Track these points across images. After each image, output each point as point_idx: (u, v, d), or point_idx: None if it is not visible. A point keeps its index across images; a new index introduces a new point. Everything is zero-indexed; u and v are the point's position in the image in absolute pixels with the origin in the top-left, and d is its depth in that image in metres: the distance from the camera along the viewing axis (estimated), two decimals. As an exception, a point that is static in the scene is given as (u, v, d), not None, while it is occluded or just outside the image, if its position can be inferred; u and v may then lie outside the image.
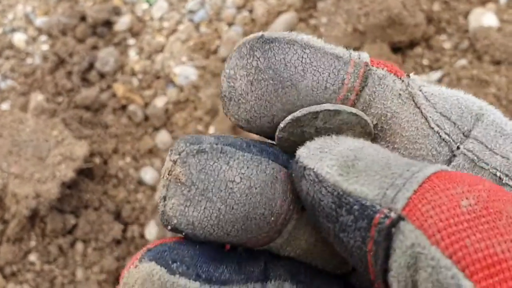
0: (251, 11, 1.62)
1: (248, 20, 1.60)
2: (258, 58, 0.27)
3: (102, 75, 1.60)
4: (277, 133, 0.28)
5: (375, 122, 0.28)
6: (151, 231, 1.38)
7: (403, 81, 0.28)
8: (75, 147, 1.39)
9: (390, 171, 0.24)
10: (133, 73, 1.59)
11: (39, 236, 1.38)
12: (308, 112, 0.27)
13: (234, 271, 0.28)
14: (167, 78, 1.56)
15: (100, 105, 1.55)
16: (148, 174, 1.46)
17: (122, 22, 1.67)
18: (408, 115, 0.28)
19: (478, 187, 0.23)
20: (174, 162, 0.27)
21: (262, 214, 0.27)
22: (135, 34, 1.66)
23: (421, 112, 0.28)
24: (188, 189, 0.27)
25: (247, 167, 0.27)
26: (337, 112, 0.27)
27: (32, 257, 1.38)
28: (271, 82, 0.27)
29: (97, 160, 1.47)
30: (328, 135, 0.28)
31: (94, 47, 1.63)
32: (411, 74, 0.29)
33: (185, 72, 1.55)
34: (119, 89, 1.55)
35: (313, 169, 0.25)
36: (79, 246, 1.38)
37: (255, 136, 0.31)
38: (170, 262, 0.27)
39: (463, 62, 1.41)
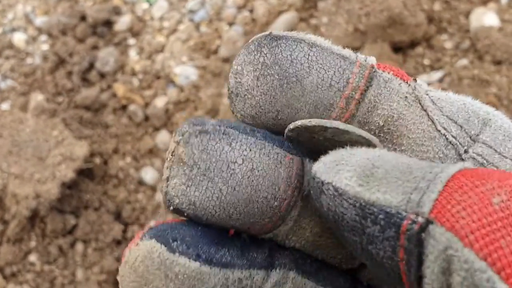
0: (251, 11, 1.61)
1: (249, 20, 1.60)
2: (265, 54, 0.28)
3: (102, 75, 1.59)
4: (286, 131, 0.28)
5: (381, 124, 0.28)
6: (152, 231, 1.38)
7: (409, 85, 0.29)
8: (75, 147, 1.39)
9: (411, 175, 0.23)
10: (134, 73, 1.59)
11: (39, 236, 1.38)
12: (318, 124, 0.27)
13: (236, 255, 0.28)
14: (167, 78, 1.56)
15: (100, 105, 1.55)
16: (148, 174, 1.46)
17: (122, 22, 1.66)
18: (415, 117, 0.28)
19: (509, 182, 0.22)
20: (177, 143, 0.27)
21: (265, 197, 0.27)
22: (135, 34, 1.66)
23: (428, 115, 0.28)
24: (190, 169, 0.27)
25: (250, 150, 0.27)
26: (345, 131, 0.27)
27: (32, 257, 1.37)
28: (277, 77, 0.28)
29: (97, 160, 1.46)
30: (342, 146, 0.27)
31: (94, 47, 1.63)
32: (418, 79, 0.29)
33: (185, 72, 1.55)
34: (119, 89, 1.55)
35: (332, 183, 0.25)
36: (79, 246, 1.38)
37: None
38: (171, 241, 0.27)
39: (464, 62, 1.41)
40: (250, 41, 0.29)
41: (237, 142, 0.27)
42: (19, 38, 1.68)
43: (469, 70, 1.38)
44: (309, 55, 0.28)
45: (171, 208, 0.28)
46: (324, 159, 0.26)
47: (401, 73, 0.29)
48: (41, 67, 1.61)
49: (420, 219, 0.22)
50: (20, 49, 1.67)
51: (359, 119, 0.28)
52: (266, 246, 0.29)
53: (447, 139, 0.28)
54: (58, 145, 1.40)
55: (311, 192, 0.27)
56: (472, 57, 1.41)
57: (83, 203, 1.41)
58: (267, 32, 0.29)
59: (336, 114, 0.28)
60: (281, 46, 0.28)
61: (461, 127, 0.28)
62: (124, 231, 1.40)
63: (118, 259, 1.36)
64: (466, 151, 0.28)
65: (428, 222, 0.22)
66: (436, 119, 0.28)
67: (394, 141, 0.29)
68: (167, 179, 0.28)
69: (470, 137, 0.28)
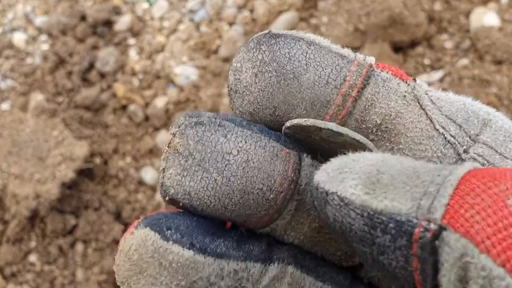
0: (251, 11, 1.61)
1: (249, 19, 1.59)
2: (264, 52, 0.28)
3: (102, 75, 1.59)
4: (283, 128, 0.29)
5: (379, 122, 0.28)
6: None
7: (408, 84, 0.29)
8: (75, 147, 1.39)
9: (419, 180, 0.22)
10: (134, 73, 1.59)
11: (39, 236, 1.38)
12: (312, 124, 0.27)
13: (232, 246, 0.28)
14: (167, 78, 1.56)
15: (100, 105, 1.54)
16: (148, 174, 1.46)
17: (122, 22, 1.66)
18: (413, 116, 0.28)
19: None
20: (174, 134, 0.28)
21: (260, 189, 0.27)
22: (135, 34, 1.66)
23: (426, 114, 0.28)
24: (185, 159, 0.27)
25: (245, 142, 0.28)
26: (339, 133, 0.27)
27: (32, 257, 1.37)
28: (274, 74, 0.28)
29: (97, 160, 1.46)
30: (337, 147, 0.27)
31: (94, 47, 1.63)
32: (418, 79, 0.29)
33: (185, 72, 1.54)
34: (119, 89, 1.55)
35: (336, 192, 0.24)
36: (79, 246, 1.38)
37: None
38: (165, 229, 0.27)
39: (464, 61, 1.41)
40: (249, 39, 0.29)
41: (232, 134, 0.28)
42: (19, 38, 1.68)
43: (469, 70, 1.38)
44: (307, 52, 0.28)
45: (167, 198, 0.28)
46: (326, 168, 0.25)
47: (400, 73, 0.29)
48: (41, 67, 1.60)
49: (432, 226, 0.21)
50: (20, 49, 1.67)
51: (356, 117, 0.28)
52: (264, 240, 0.29)
53: (445, 138, 0.28)
54: (58, 145, 1.40)
55: (315, 203, 0.26)
56: (472, 57, 1.41)
57: (83, 203, 1.41)
58: (266, 31, 0.29)
59: (333, 111, 0.28)
60: (279, 44, 0.28)
61: (460, 126, 0.28)
62: (124, 231, 1.39)
63: (118, 259, 1.36)
64: (465, 151, 0.28)
65: (441, 228, 0.21)
66: (435, 118, 0.28)
67: (392, 139, 0.28)
68: (163, 170, 0.28)
69: (470, 137, 0.28)
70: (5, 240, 1.37)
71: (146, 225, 0.27)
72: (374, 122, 0.28)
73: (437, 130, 0.28)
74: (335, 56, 0.28)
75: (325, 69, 0.28)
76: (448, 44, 1.45)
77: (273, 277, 0.28)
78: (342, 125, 0.28)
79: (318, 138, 0.28)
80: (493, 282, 0.19)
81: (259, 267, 0.28)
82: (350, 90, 0.28)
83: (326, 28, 1.48)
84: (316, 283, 0.29)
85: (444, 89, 1.35)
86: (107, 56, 1.60)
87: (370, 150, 0.28)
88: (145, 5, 1.70)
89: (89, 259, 1.37)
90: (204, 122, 0.28)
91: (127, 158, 1.48)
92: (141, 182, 1.46)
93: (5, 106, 1.56)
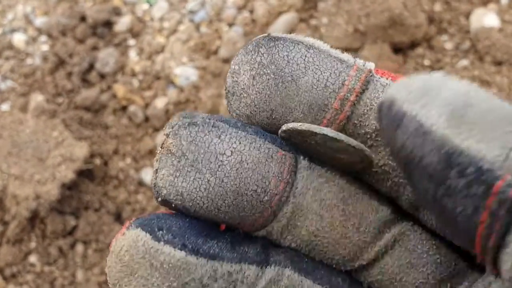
0: (251, 12, 1.61)
1: (249, 20, 1.59)
2: (262, 54, 0.28)
3: (102, 76, 1.59)
4: (279, 132, 0.28)
5: (377, 127, 0.28)
6: (152, 232, 1.38)
7: None
8: (75, 148, 1.39)
9: (511, 127, 0.20)
10: (134, 74, 1.59)
11: (39, 237, 1.38)
12: (307, 129, 0.27)
13: (225, 248, 0.27)
14: (167, 78, 1.56)
15: (100, 106, 1.54)
16: (148, 175, 1.46)
17: (122, 23, 1.66)
18: None
19: None
20: (167, 135, 0.28)
21: (254, 191, 0.27)
22: (135, 34, 1.66)
23: None
24: (178, 160, 0.27)
25: (240, 142, 0.27)
26: (335, 139, 0.27)
27: (32, 258, 1.37)
28: (272, 76, 0.28)
29: (97, 161, 1.46)
30: (333, 153, 0.26)
31: (94, 48, 1.63)
32: None
33: (185, 72, 1.54)
34: (119, 90, 1.55)
35: (416, 117, 0.21)
36: (80, 247, 1.38)
37: None
38: (156, 230, 0.27)
39: (464, 62, 1.41)
40: (248, 42, 0.29)
41: (226, 135, 0.27)
42: (19, 39, 1.68)
43: (469, 71, 1.38)
44: (306, 56, 0.28)
45: (159, 199, 0.28)
46: (408, 83, 0.23)
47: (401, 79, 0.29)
48: (41, 68, 1.60)
49: None
50: (20, 49, 1.67)
51: (355, 122, 0.28)
52: (259, 242, 0.29)
53: None
54: (58, 146, 1.40)
55: (383, 122, 0.23)
56: (472, 58, 1.41)
57: (83, 204, 1.41)
58: (265, 34, 0.29)
59: (331, 115, 0.28)
60: (278, 47, 0.28)
61: None
62: (124, 232, 1.40)
63: (118, 260, 1.36)
64: None
65: None
66: None
67: None
68: (156, 171, 0.28)
69: None
70: (5, 241, 1.37)
71: (137, 225, 0.27)
72: (374, 127, 0.28)
73: None
74: (334, 60, 0.28)
75: (324, 72, 0.28)
76: (448, 45, 1.45)
77: (270, 280, 0.28)
78: (340, 130, 0.28)
79: (313, 143, 0.28)
80: None
81: (255, 269, 0.27)
82: (349, 95, 0.28)
83: (326, 29, 1.48)
84: (314, 286, 0.29)
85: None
86: (107, 57, 1.60)
87: (368, 157, 0.28)
88: (145, 6, 1.70)
89: (89, 260, 1.37)
90: (198, 122, 0.28)
91: (127, 159, 1.48)
92: (141, 183, 1.46)
93: (5, 107, 1.56)
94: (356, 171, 0.29)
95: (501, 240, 0.20)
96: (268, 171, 0.27)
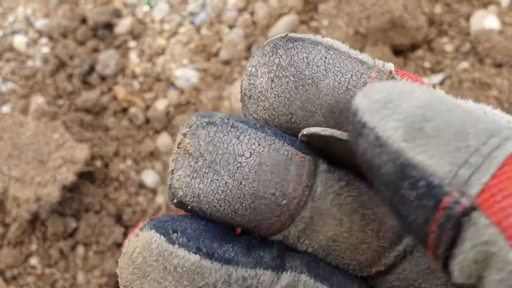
0: (252, 14, 1.61)
1: (249, 22, 1.60)
2: (281, 56, 0.27)
3: (103, 78, 1.59)
4: (299, 135, 0.28)
5: None
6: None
7: None
8: (76, 150, 1.39)
9: (464, 142, 0.21)
10: (134, 76, 1.59)
11: (40, 239, 1.38)
12: (331, 135, 0.26)
13: (240, 252, 0.27)
14: (168, 80, 1.56)
15: (101, 108, 1.55)
16: (149, 177, 1.46)
17: (123, 25, 1.66)
18: None
19: None
20: (184, 134, 0.27)
21: (273, 194, 0.26)
22: (136, 36, 1.66)
23: None
24: (196, 161, 0.26)
25: (259, 144, 0.27)
26: None
27: (33, 260, 1.37)
28: (292, 79, 0.27)
29: (98, 163, 1.46)
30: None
31: (95, 50, 1.63)
32: (436, 88, 0.29)
33: (186, 74, 1.55)
34: (120, 91, 1.55)
35: (374, 129, 0.22)
36: (80, 249, 1.38)
37: None
38: (171, 232, 0.26)
39: (464, 65, 1.41)
40: (265, 42, 0.28)
41: (245, 136, 0.27)
42: (19, 41, 1.68)
43: (469, 73, 1.38)
44: (326, 57, 0.27)
45: (175, 201, 0.27)
46: (370, 92, 0.23)
47: (420, 80, 0.28)
48: (41, 70, 1.61)
49: (464, 201, 0.20)
50: (21, 51, 1.67)
51: None
52: (275, 247, 0.28)
53: None
54: (59, 148, 1.40)
55: (349, 126, 0.24)
56: (472, 60, 1.42)
57: (83, 206, 1.41)
58: (283, 34, 0.28)
59: None
60: (297, 48, 0.27)
61: None
62: (125, 234, 1.40)
63: (119, 262, 1.36)
64: None
65: (473, 208, 0.20)
66: None
67: None
68: (172, 171, 0.27)
69: None
70: (6, 243, 1.37)
71: (151, 227, 0.26)
72: None
73: None
74: (355, 62, 0.27)
75: (345, 75, 0.27)
76: (448, 47, 1.45)
77: (286, 286, 0.27)
78: None
79: (335, 148, 0.27)
80: None
81: (270, 275, 0.27)
82: None
83: (327, 31, 1.48)
84: None
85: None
86: (107, 59, 1.60)
87: None
88: (146, 8, 1.70)
89: (90, 262, 1.37)
90: (216, 122, 0.27)
91: (128, 161, 1.48)
92: (141, 185, 1.46)
93: (6, 109, 1.56)
94: None
95: (448, 251, 0.21)
96: (287, 174, 0.27)
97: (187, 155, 0.27)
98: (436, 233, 0.21)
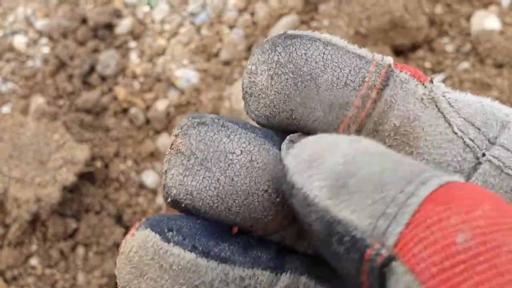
0: (252, 14, 1.61)
1: (250, 23, 1.59)
2: (280, 53, 0.27)
3: (103, 78, 1.59)
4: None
5: (398, 124, 0.28)
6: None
7: (425, 86, 0.28)
8: (76, 151, 1.39)
9: (382, 193, 0.22)
10: (134, 76, 1.59)
11: (40, 240, 1.38)
12: None
13: (237, 252, 0.27)
14: (168, 81, 1.56)
15: (101, 109, 1.54)
16: (149, 178, 1.46)
17: (123, 25, 1.66)
18: (431, 119, 0.28)
19: (476, 214, 0.20)
20: (176, 135, 0.27)
21: (265, 191, 0.27)
22: (136, 37, 1.66)
23: (444, 117, 0.28)
24: (188, 159, 0.27)
25: (249, 143, 0.27)
26: None
27: (33, 261, 1.37)
28: (291, 76, 0.27)
29: (98, 163, 1.46)
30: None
31: (95, 50, 1.63)
32: (435, 81, 0.29)
33: (186, 75, 1.54)
34: (120, 92, 1.55)
35: (302, 189, 0.23)
36: (80, 250, 1.38)
37: None
38: (166, 230, 0.26)
39: (465, 65, 1.41)
40: (264, 40, 0.28)
41: (236, 135, 0.27)
42: (19, 41, 1.68)
43: (470, 74, 1.38)
44: (324, 53, 0.27)
45: (169, 200, 0.27)
46: (298, 152, 0.24)
47: (418, 74, 0.28)
48: (41, 70, 1.60)
49: (384, 252, 0.21)
50: (21, 52, 1.67)
51: (375, 119, 0.28)
52: (273, 247, 0.28)
53: (464, 142, 0.27)
54: (59, 148, 1.40)
55: (282, 186, 0.25)
56: (473, 60, 1.41)
57: (84, 207, 1.40)
58: (282, 32, 0.28)
59: (352, 113, 0.27)
60: (295, 45, 0.27)
61: (479, 129, 0.27)
62: (125, 235, 1.39)
63: (119, 263, 1.36)
64: (484, 154, 0.27)
65: (391, 258, 0.21)
66: (453, 121, 0.27)
67: (411, 143, 0.28)
68: (165, 172, 0.27)
69: (489, 140, 0.27)
70: (6, 243, 1.37)
71: (147, 226, 0.26)
72: (392, 125, 0.28)
73: (456, 133, 0.27)
74: (353, 57, 0.27)
75: (343, 70, 0.27)
76: (449, 48, 1.45)
77: (285, 287, 0.27)
78: (360, 128, 0.28)
79: None
80: None
81: (268, 275, 0.27)
82: (369, 91, 0.27)
83: (327, 31, 1.48)
84: None
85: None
86: (108, 59, 1.60)
87: None
88: (146, 8, 1.70)
89: (90, 263, 1.37)
90: (207, 122, 0.27)
91: (128, 162, 1.48)
92: (142, 186, 1.46)
93: (6, 109, 1.56)
94: None
95: None
96: (279, 173, 0.27)
97: (179, 154, 0.27)
98: (367, 283, 0.22)
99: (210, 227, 0.27)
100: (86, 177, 1.43)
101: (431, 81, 0.28)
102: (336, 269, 0.24)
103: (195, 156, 0.27)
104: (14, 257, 1.36)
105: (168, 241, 0.26)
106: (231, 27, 1.61)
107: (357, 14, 1.44)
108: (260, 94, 0.28)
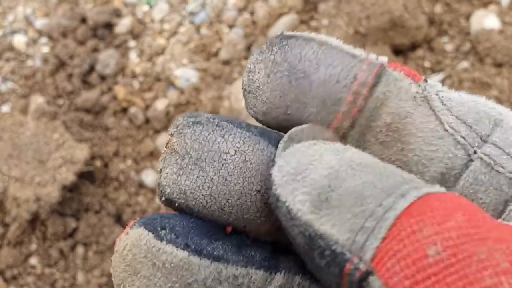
0: (252, 13, 1.61)
1: (249, 22, 1.59)
2: (276, 52, 0.29)
3: (102, 78, 1.59)
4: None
5: (389, 121, 0.28)
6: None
7: (419, 85, 0.28)
8: (75, 150, 1.39)
9: (362, 207, 0.22)
10: (134, 76, 1.59)
11: (39, 239, 1.38)
12: None
13: (231, 250, 0.27)
14: (168, 80, 1.56)
15: (100, 108, 1.54)
16: (149, 177, 1.46)
17: (123, 24, 1.66)
18: (423, 116, 0.28)
19: (449, 225, 0.21)
20: (172, 134, 0.28)
21: (258, 191, 0.27)
22: (135, 36, 1.66)
23: (435, 115, 0.28)
24: (182, 158, 0.27)
25: (244, 143, 0.27)
26: None
27: (33, 260, 1.37)
28: (286, 73, 0.28)
29: (97, 163, 1.46)
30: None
31: (95, 50, 1.63)
32: (433, 80, 0.29)
33: (185, 74, 1.54)
34: (119, 91, 1.55)
35: (285, 202, 0.24)
36: (80, 249, 1.38)
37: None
38: (159, 229, 0.26)
39: (464, 64, 1.41)
40: (264, 41, 0.30)
41: (230, 134, 0.27)
42: (19, 41, 1.68)
43: (469, 73, 1.38)
44: (317, 52, 0.28)
45: (163, 198, 0.28)
46: (284, 165, 0.25)
47: (413, 73, 0.29)
48: (41, 70, 1.60)
49: (362, 267, 0.21)
50: (21, 51, 1.67)
51: (367, 115, 0.28)
52: (268, 247, 0.28)
53: (455, 139, 0.28)
54: (59, 148, 1.40)
55: (269, 198, 0.26)
56: (472, 59, 1.41)
57: (83, 206, 1.41)
58: (280, 33, 0.29)
59: (344, 109, 0.28)
60: (291, 45, 0.28)
61: (471, 127, 0.28)
62: (125, 234, 1.40)
63: (119, 262, 1.36)
64: (475, 152, 0.28)
65: (369, 272, 0.21)
66: (444, 119, 0.28)
67: (402, 139, 0.28)
68: (160, 170, 0.28)
69: (481, 138, 0.28)
70: (6, 243, 1.37)
71: (140, 224, 0.27)
72: (384, 122, 0.28)
73: (447, 130, 0.28)
74: (346, 56, 0.28)
75: (336, 68, 0.28)
76: (449, 47, 1.45)
77: (279, 286, 0.27)
78: (353, 124, 0.28)
79: None
80: None
81: (262, 274, 0.27)
82: (361, 88, 0.28)
83: (327, 30, 1.48)
84: None
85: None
86: (107, 59, 1.60)
87: None
88: (146, 8, 1.70)
89: (90, 262, 1.37)
90: (202, 121, 0.28)
91: (128, 161, 1.48)
92: (141, 185, 1.46)
93: (6, 108, 1.56)
94: None
95: None
96: (271, 174, 0.27)
97: (174, 153, 0.27)
98: None
99: (203, 226, 0.27)
100: (85, 176, 1.43)
101: (426, 80, 0.29)
102: (319, 280, 0.25)
103: (189, 155, 0.27)
104: (13, 256, 1.36)
105: (161, 239, 0.26)
106: (231, 26, 1.61)
107: (356, 13, 1.44)
108: (257, 91, 0.29)
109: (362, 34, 1.43)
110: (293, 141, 0.27)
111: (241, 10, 1.63)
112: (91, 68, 1.60)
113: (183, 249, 0.26)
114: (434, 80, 1.42)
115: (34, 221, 1.38)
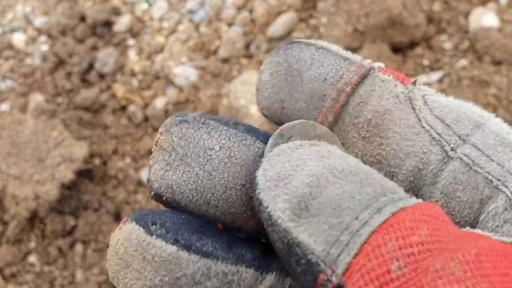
0: (251, 11, 1.61)
1: (248, 20, 1.60)
2: (280, 55, 0.32)
3: (101, 76, 1.59)
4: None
5: (369, 118, 0.30)
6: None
7: (407, 87, 0.30)
8: (74, 148, 1.39)
9: (339, 218, 0.23)
10: (133, 74, 1.59)
11: (38, 237, 1.38)
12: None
13: (220, 247, 0.28)
14: (166, 78, 1.56)
15: (99, 106, 1.55)
16: (147, 175, 1.46)
17: (122, 23, 1.66)
18: (402, 113, 0.30)
19: (413, 239, 0.21)
20: (161, 133, 0.29)
21: (243, 185, 0.28)
22: (134, 34, 1.66)
23: (415, 113, 0.30)
24: (169, 155, 0.28)
25: (229, 139, 0.28)
26: None
27: (32, 258, 1.37)
28: (284, 72, 0.31)
29: (96, 161, 1.46)
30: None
31: (94, 48, 1.63)
32: (420, 85, 0.31)
33: (185, 72, 1.55)
34: (118, 89, 1.55)
35: (267, 208, 0.24)
36: (79, 247, 1.38)
37: None
38: (150, 224, 0.27)
39: (463, 62, 1.41)
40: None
41: (216, 132, 0.29)
42: (18, 39, 1.68)
43: (468, 71, 1.38)
44: (314, 54, 0.31)
45: (152, 193, 0.29)
46: (268, 168, 0.25)
47: (402, 77, 0.30)
48: (40, 68, 1.61)
49: (334, 279, 0.22)
50: (20, 49, 1.67)
51: (350, 112, 0.30)
52: (259, 247, 0.29)
53: (431, 135, 0.29)
54: (58, 146, 1.40)
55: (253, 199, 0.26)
56: (471, 57, 1.41)
57: (82, 204, 1.41)
58: (288, 39, 0.33)
59: (328, 104, 0.30)
60: (293, 48, 0.31)
61: (448, 126, 0.29)
62: (124, 232, 1.40)
63: (118, 260, 1.36)
64: (453, 149, 0.29)
65: (340, 285, 0.22)
66: (423, 117, 0.29)
67: (381, 134, 0.30)
68: (150, 167, 0.29)
69: (459, 137, 0.29)
70: (5, 241, 1.38)
71: (133, 220, 0.28)
72: (365, 118, 0.30)
73: (423, 127, 0.29)
74: (339, 58, 0.31)
75: (326, 68, 0.31)
76: (447, 45, 1.45)
77: (270, 286, 0.28)
78: (336, 120, 0.30)
79: None
80: None
81: (253, 273, 0.27)
82: (345, 86, 0.30)
83: (325, 28, 1.48)
84: None
85: (443, 90, 1.35)
86: (106, 57, 1.60)
87: None
88: (145, 6, 1.70)
89: (89, 260, 1.37)
90: (189, 120, 0.29)
91: (127, 159, 1.48)
92: (140, 183, 1.46)
93: (5, 107, 1.56)
94: None
95: None
96: (257, 169, 0.27)
97: (161, 150, 0.29)
98: None
99: (195, 222, 0.28)
100: (84, 174, 1.43)
101: (414, 84, 0.30)
102: (297, 285, 0.26)
103: (176, 152, 0.28)
104: (12, 254, 1.36)
105: (151, 234, 0.27)
106: (230, 24, 1.61)
107: (355, 11, 1.44)
108: (262, 88, 0.32)
109: (361, 32, 1.43)
110: (283, 137, 0.28)
111: (240, 8, 1.63)
112: (90, 66, 1.60)
113: (172, 244, 0.27)
114: (433, 78, 1.42)
115: (33, 219, 1.38)
